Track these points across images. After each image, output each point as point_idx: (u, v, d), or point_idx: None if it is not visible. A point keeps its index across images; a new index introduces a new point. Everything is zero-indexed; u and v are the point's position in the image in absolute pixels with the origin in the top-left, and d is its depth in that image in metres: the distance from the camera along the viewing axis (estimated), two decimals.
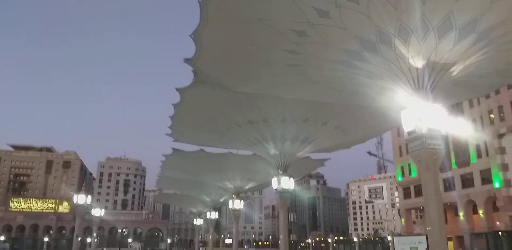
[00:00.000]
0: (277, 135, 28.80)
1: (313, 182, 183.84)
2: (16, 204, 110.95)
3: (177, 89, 24.24)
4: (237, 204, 48.63)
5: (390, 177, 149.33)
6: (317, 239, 72.31)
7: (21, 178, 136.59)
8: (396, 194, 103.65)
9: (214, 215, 62.83)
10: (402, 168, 50.93)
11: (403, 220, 50.37)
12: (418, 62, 16.71)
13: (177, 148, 36.61)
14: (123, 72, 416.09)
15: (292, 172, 31.99)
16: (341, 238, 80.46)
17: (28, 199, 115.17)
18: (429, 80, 17.09)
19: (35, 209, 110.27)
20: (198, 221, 75.59)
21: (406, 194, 49.31)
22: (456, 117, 36.09)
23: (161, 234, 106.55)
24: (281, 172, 31.15)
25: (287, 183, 31.17)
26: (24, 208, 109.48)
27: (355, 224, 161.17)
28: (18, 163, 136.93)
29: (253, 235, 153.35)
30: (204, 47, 19.41)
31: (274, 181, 31.54)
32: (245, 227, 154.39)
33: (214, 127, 30.07)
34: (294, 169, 33.15)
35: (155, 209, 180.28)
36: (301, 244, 71.06)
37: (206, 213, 66.26)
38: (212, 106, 26.95)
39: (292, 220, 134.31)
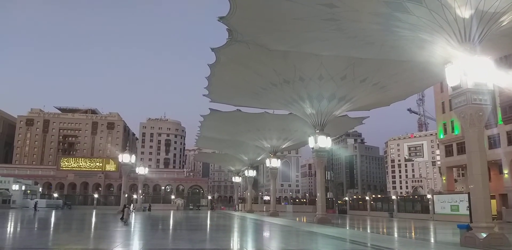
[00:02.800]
0: (314, 94, 28.50)
1: (350, 141, 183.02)
2: (66, 163, 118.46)
3: (212, 49, 24.09)
4: (274, 163, 49.73)
5: (431, 134, 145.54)
6: (355, 196, 73.08)
7: (70, 138, 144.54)
8: (437, 152, 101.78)
9: (252, 173, 64.76)
10: (444, 125, 49.22)
11: (444, 178, 49.63)
12: (465, 12, 15.54)
13: (214, 108, 37.16)
14: (161, 34, 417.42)
15: (329, 131, 31.92)
16: (379, 196, 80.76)
17: (77, 159, 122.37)
18: (477, 31, 15.93)
19: (84, 168, 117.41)
20: (236, 179, 78.23)
21: (448, 152, 48.11)
22: (504, 71, 33.98)
23: (202, 191, 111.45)
24: (317, 131, 31.18)
25: (324, 142, 31.28)
26: (74, 167, 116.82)
27: (394, 182, 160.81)
28: (66, 125, 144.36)
29: (290, 193, 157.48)
30: (238, 4, 18.91)
31: (311, 140, 31.72)
32: (282, 185, 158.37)
33: (250, 87, 30.07)
34: (331, 127, 33.06)
35: (195, 168, 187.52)
36: (338, 202, 72.07)
37: (244, 171, 68.33)
38: (248, 65, 26.76)
39: (329, 178, 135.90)
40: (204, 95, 31.47)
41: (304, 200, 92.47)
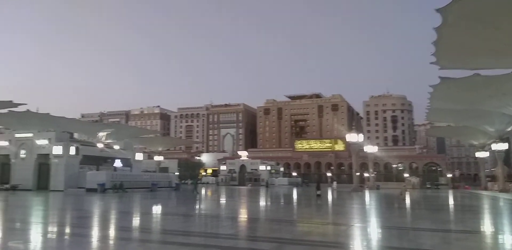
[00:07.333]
0: None
1: None
2: (300, 145, 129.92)
3: (437, 10, 21.40)
4: None
5: None
6: None
7: (300, 123, 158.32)
8: None
9: (501, 146, 55.50)
10: None
11: None
12: None
13: (445, 76, 33.09)
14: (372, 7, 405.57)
15: None
16: None
17: (308, 140, 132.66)
18: None
19: (316, 148, 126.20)
20: (481, 154, 68.77)
21: None
22: None
23: (439, 168, 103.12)
24: None
25: None
26: (307, 148, 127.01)
27: None
28: (296, 111, 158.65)
29: None
30: None
31: None
32: None
33: (489, 45, 25.28)
34: None
35: (428, 143, 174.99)
36: None
37: (490, 144, 59.32)
38: (483, 20, 22.50)
39: None
40: (431, 63, 28.34)
41: None
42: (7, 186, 42.74)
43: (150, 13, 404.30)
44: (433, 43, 25.43)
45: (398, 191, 54.99)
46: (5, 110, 47.45)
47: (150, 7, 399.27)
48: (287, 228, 12.74)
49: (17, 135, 47.06)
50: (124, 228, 12.69)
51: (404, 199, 28.08)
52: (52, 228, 12.44)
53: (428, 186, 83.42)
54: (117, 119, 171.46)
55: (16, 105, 47.80)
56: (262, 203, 27.92)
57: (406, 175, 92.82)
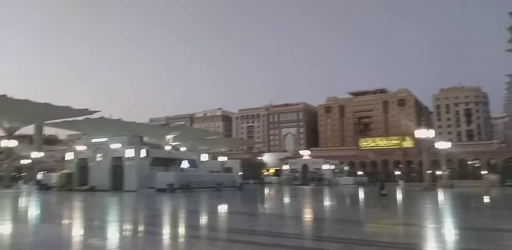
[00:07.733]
0: None
1: None
2: (364, 143, 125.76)
3: None
4: None
5: None
6: None
7: (364, 119, 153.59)
8: None
9: None
10: None
11: None
12: None
13: None
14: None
15: None
16: None
17: (374, 138, 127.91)
18: None
19: (382, 146, 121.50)
20: None
21: None
22: None
23: None
24: None
25: None
26: (372, 146, 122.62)
27: None
28: (359, 107, 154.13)
29: None
30: None
31: None
32: None
33: None
34: None
35: (507, 137, 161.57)
36: None
37: None
38: None
39: None
40: (507, 50, 26.25)
41: None
42: (86, 187, 46.10)
43: (213, 17, 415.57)
44: (508, 29, 23.55)
45: (475, 189, 51.68)
46: (82, 118, 51.28)
47: (212, 12, 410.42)
48: (354, 228, 12.40)
49: (93, 140, 50.60)
50: (193, 226, 13.13)
51: (486, 198, 26.24)
52: (128, 226, 13.20)
53: (509, 183, 77.22)
54: (183, 123, 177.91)
55: (92, 112, 51.47)
56: (327, 202, 27.48)
57: (483, 172, 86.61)
